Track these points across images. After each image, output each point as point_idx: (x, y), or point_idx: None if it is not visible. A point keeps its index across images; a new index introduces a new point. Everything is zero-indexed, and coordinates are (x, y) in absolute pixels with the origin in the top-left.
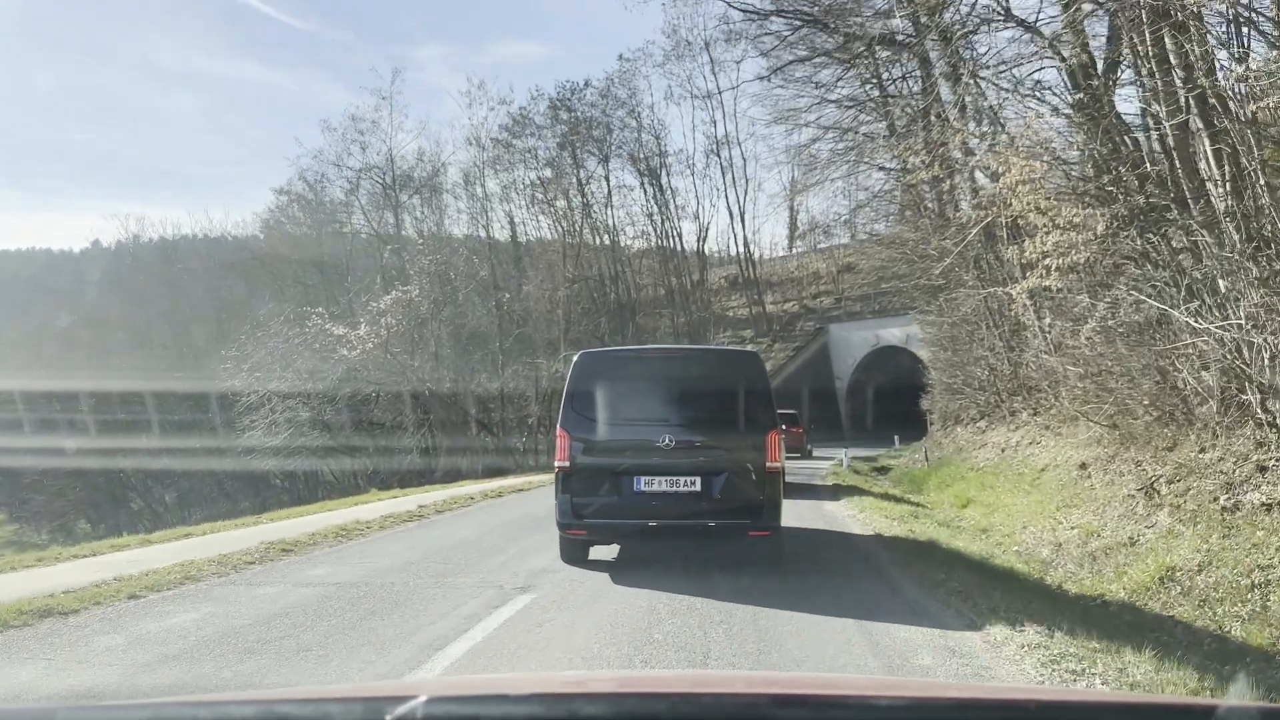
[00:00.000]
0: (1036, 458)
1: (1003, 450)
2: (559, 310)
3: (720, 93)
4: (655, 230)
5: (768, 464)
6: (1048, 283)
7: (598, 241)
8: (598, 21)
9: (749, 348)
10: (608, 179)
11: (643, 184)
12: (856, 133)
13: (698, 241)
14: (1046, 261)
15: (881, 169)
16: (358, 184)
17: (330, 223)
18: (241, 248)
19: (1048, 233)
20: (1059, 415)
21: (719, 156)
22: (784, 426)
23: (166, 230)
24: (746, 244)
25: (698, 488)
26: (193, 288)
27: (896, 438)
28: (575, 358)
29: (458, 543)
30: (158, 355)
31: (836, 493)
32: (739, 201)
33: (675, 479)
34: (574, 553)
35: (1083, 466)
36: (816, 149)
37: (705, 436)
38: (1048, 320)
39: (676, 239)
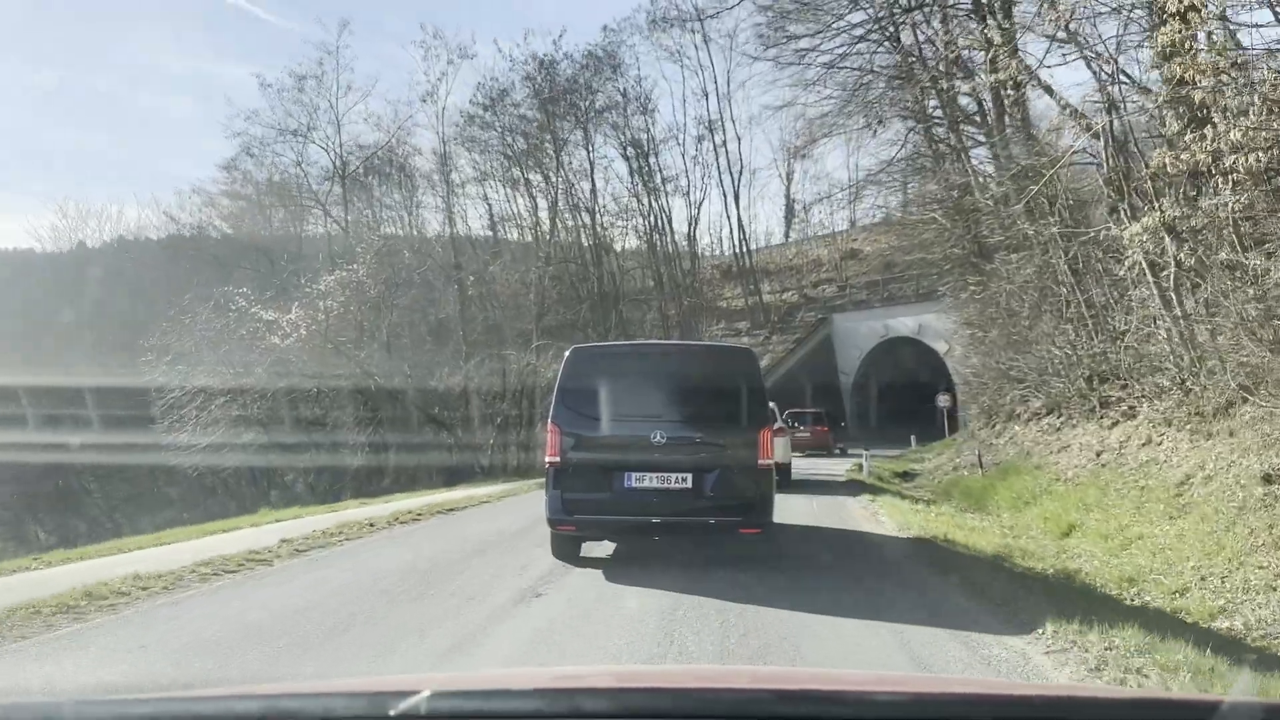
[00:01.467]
0: (1166, 466)
1: (1098, 454)
2: (531, 294)
3: (704, 19)
4: (642, 210)
5: (760, 461)
6: (1222, 200)
7: (578, 221)
8: (592, 22)
9: (744, 340)
10: (589, 152)
11: (627, 159)
12: (869, 71)
13: (689, 225)
14: (1230, 161)
15: (906, 116)
16: (303, 153)
17: (281, 201)
18: (193, 236)
19: (1237, 115)
20: (1195, 406)
21: (711, 134)
22: (793, 424)
23: (104, 225)
24: (742, 227)
25: (689, 484)
26: (140, 282)
27: (913, 437)
28: (567, 353)
29: (208, 645)
30: (86, 353)
31: (864, 499)
32: (733, 184)
33: (667, 475)
34: (565, 549)
35: (1269, 480)
36: (822, 94)
37: (697, 433)
38: (1169, 267)
39: (666, 222)
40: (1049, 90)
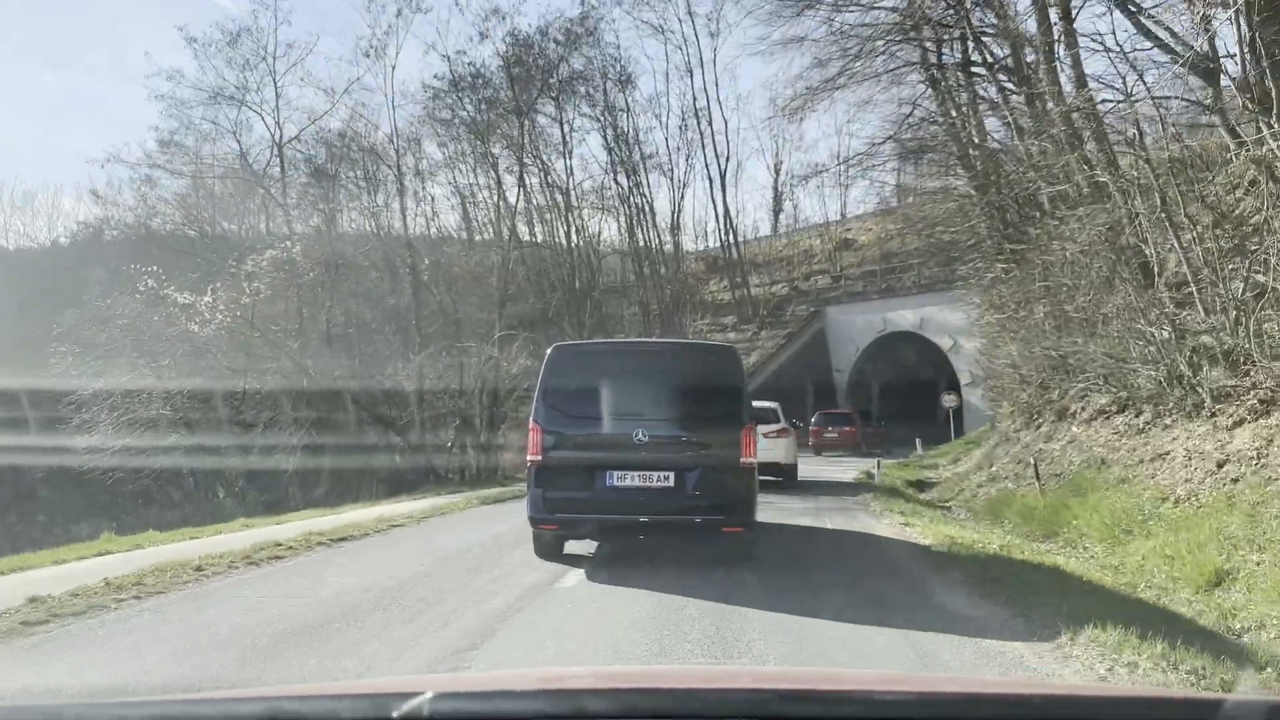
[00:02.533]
0: None
1: (1220, 465)
2: (494, 278)
3: None
4: (621, 194)
5: (742, 460)
6: None
7: (550, 201)
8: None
9: (731, 335)
10: (562, 128)
11: (605, 139)
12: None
13: (672, 215)
14: None
15: (924, 64)
16: (239, 122)
17: (209, 172)
18: (134, 222)
19: None
20: None
21: (697, 118)
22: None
23: (36, 214)
24: (728, 214)
25: (671, 483)
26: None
27: (919, 440)
28: (549, 351)
29: None
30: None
31: (893, 518)
32: (720, 169)
33: (648, 474)
34: (547, 548)
35: None
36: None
37: (679, 432)
38: None
39: (648, 208)
40: (1124, 6)
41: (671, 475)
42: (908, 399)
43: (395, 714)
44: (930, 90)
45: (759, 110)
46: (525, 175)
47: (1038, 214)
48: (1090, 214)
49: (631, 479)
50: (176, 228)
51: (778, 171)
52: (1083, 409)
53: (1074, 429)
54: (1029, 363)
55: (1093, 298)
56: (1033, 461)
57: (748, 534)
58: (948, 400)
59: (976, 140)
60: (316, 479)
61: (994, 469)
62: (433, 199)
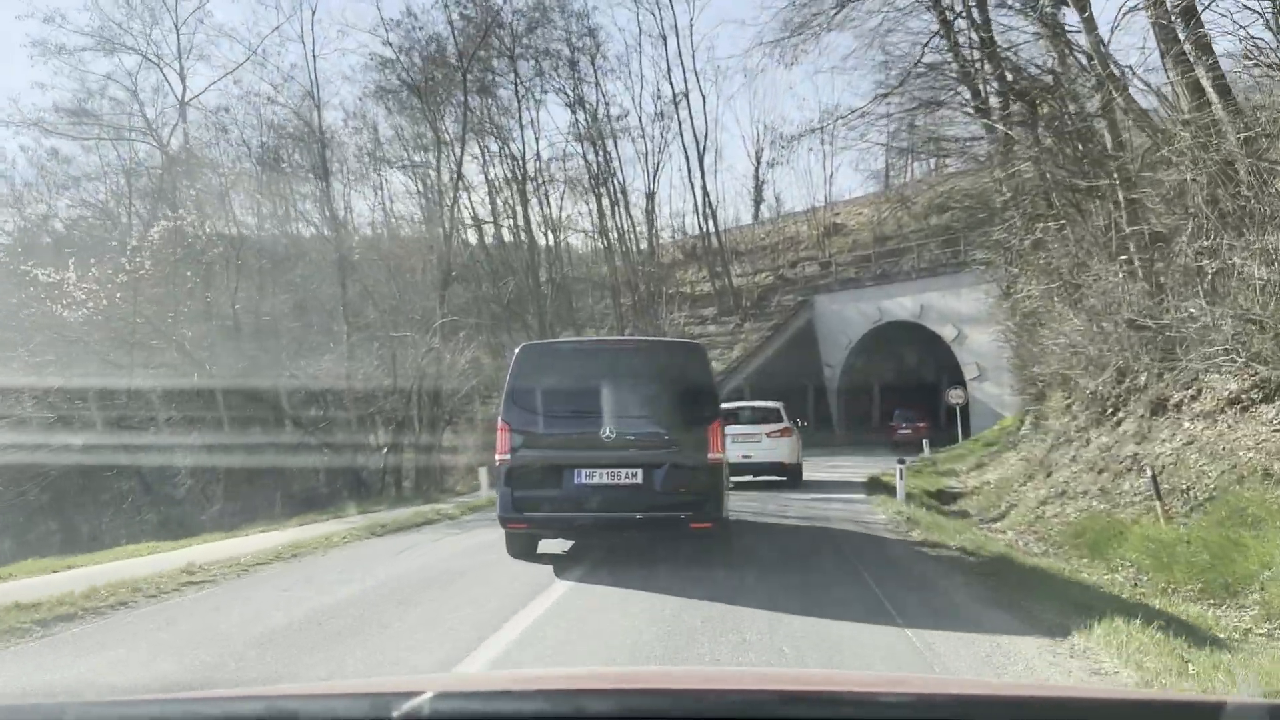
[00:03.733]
0: None
1: None
2: (434, 255)
3: None
4: (591, 170)
5: (709, 456)
6: None
7: (511, 174)
8: None
9: (711, 328)
10: (518, 90)
11: (573, 109)
12: None
13: (647, 195)
14: None
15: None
16: (139, 78)
17: (106, 133)
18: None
19: None
20: None
21: (673, 94)
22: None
23: None
24: (708, 196)
25: (639, 480)
26: None
27: (925, 442)
28: (516, 350)
29: None
30: None
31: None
32: (698, 148)
33: (616, 471)
34: (519, 547)
35: None
36: None
37: (647, 429)
38: None
39: (619, 188)
40: None
41: (640, 472)
42: (907, 396)
43: (395, 713)
44: (944, 35)
45: (739, 81)
46: (471, 136)
47: (1098, 150)
48: (1210, 126)
49: (600, 476)
50: (87, 212)
51: (759, 159)
52: (1193, 397)
53: (1187, 424)
54: (1100, 340)
55: (1216, 240)
56: (1150, 473)
57: (716, 529)
58: (953, 397)
59: (1006, 75)
60: (216, 493)
61: (1056, 479)
62: (386, 182)
